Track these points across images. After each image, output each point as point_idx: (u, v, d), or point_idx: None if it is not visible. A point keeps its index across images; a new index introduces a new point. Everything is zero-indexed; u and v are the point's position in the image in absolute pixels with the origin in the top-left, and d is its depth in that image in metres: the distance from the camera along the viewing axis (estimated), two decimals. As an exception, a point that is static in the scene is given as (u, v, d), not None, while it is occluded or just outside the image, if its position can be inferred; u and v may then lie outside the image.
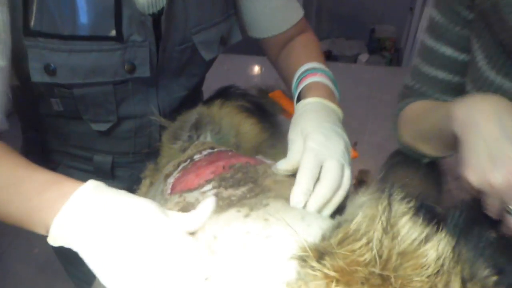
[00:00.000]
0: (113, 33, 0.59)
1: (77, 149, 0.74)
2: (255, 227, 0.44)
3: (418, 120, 0.73)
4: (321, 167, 0.49)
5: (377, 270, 0.36)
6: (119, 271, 0.39)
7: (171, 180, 0.60)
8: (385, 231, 0.39)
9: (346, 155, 0.51)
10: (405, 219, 0.40)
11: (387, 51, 2.86)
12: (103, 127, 0.68)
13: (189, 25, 0.66)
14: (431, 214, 0.42)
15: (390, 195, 0.42)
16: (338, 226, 0.42)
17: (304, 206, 0.47)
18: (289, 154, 0.53)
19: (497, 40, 0.60)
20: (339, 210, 0.49)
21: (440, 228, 0.40)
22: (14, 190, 0.45)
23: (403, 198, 0.42)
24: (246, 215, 0.46)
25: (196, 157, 0.63)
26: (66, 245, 0.42)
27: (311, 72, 0.66)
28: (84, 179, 0.44)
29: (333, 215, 0.50)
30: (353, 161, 0.86)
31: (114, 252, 0.40)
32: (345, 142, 0.53)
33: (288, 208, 0.47)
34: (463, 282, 0.37)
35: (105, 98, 0.64)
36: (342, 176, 0.49)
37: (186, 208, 0.50)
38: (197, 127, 0.70)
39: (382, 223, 0.39)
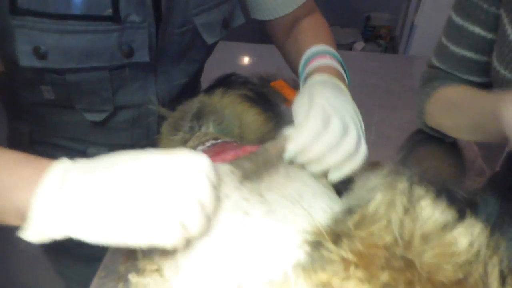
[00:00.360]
0: (109, 12, 0.53)
1: (69, 141, 0.69)
2: (252, 198, 0.42)
3: (452, 110, 0.71)
4: None
5: (399, 251, 0.34)
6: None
7: (172, 174, 0.57)
8: (406, 212, 0.36)
9: (355, 118, 0.49)
10: (424, 202, 0.38)
11: (383, 39, 2.83)
12: (98, 117, 0.63)
13: (190, 5, 0.62)
14: (452, 199, 0.39)
15: (410, 177, 0.39)
16: (350, 211, 0.40)
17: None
18: (296, 120, 0.50)
19: None
20: (346, 183, 0.47)
21: (468, 214, 0.37)
22: None
23: (420, 181, 0.40)
24: (240, 181, 0.44)
25: (199, 148, 0.59)
26: (54, 233, 0.35)
27: (320, 54, 0.62)
28: None
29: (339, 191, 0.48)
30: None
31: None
32: (353, 106, 0.51)
33: (281, 181, 0.45)
34: (502, 275, 0.34)
35: (101, 85, 0.59)
36: (343, 137, 0.46)
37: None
38: (199, 117, 0.66)
39: (402, 204, 0.37)
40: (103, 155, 0.38)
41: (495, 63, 0.65)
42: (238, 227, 0.39)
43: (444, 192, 0.38)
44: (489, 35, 0.67)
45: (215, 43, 0.70)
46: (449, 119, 0.72)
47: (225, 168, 0.45)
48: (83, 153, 0.69)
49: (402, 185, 0.38)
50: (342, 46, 2.71)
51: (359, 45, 2.75)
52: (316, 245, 0.37)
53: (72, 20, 0.52)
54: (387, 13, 2.86)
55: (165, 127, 0.66)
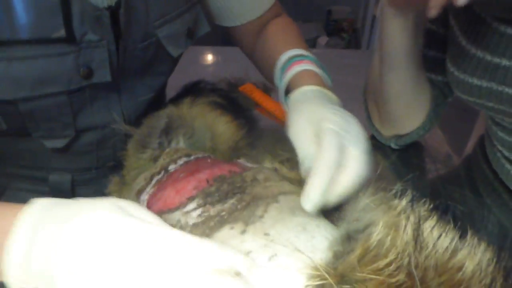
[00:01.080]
0: (62, 33, 0.49)
1: (28, 169, 0.64)
2: (255, 245, 0.38)
3: (378, 64, 0.71)
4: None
5: None
6: None
7: (145, 197, 0.53)
8: (417, 243, 0.32)
9: (362, 138, 0.45)
10: (429, 224, 0.34)
11: (345, 32, 2.86)
12: (59, 143, 0.58)
13: (151, 18, 0.58)
14: (455, 217, 0.37)
15: (412, 197, 0.36)
16: (349, 238, 0.36)
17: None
18: (300, 151, 0.45)
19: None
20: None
21: (468, 233, 0.34)
22: None
23: (418, 199, 0.37)
24: (243, 231, 0.40)
25: (171, 167, 0.56)
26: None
27: (298, 59, 0.60)
28: None
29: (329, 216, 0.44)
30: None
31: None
32: (356, 122, 0.47)
33: (285, 218, 0.42)
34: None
35: (59, 110, 0.55)
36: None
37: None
38: (168, 131, 0.63)
39: (412, 233, 0.33)
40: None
41: (448, 65, 0.66)
42: None
43: (448, 209, 0.35)
44: (441, 30, 0.68)
45: (181, 54, 0.67)
46: (379, 84, 0.72)
47: (226, 229, 0.41)
48: (44, 181, 0.64)
49: (401, 205, 0.35)
50: (306, 42, 2.72)
51: (323, 39, 2.76)
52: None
53: (20, 45, 0.47)
54: (348, 6, 2.89)
55: (131, 145, 0.62)
